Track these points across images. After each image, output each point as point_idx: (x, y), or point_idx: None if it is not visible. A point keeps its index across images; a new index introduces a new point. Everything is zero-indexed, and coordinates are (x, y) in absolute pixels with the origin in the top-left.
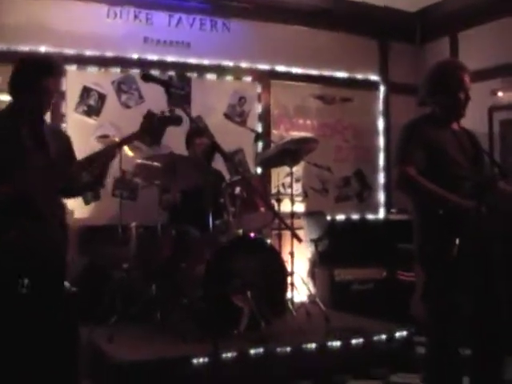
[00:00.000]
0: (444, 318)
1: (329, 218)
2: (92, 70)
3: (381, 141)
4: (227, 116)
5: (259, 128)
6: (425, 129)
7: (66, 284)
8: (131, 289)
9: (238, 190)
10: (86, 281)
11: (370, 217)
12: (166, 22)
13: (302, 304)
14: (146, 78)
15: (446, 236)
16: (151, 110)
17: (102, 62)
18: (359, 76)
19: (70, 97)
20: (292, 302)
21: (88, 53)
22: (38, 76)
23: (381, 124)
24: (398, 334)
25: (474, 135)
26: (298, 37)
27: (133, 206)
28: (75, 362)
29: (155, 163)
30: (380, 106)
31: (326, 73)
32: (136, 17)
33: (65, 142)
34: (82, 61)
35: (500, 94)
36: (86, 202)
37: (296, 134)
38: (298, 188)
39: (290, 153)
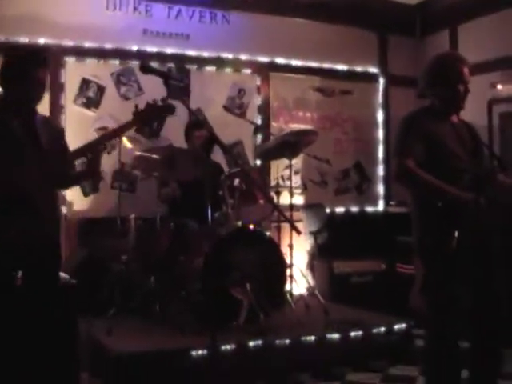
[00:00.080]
0: (443, 311)
1: (328, 210)
2: (91, 61)
3: (380, 133)
4: (226, 108)
5: (258, 120)
6: (424, 121)
7: (65, 276)
8: (130, 281)
9: (236, 182)
10: (85, 273)
11: (369, 209)
12: (165, 13)
13: (301, 296)
14: (145, 69)
15: (444, 228)
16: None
17: (101, 54)
18: (359, 68)
19: (68, 89)
20: (291, 295)
21: (87, 45)
22: (29, 67)
23: (380, 116)
24: (396, 327)
25: (473, 128)
26: (298, 29)
27: (132, 198)
28: (75, 355)
29: (154, 155)
30: (379, 98)
31: (326, 65)
32: (135, 9)
33: (57, 133)
34: (81, 53)
35: (499, 86)
36: (85, 194)
37: (295, 126)
38: (297, 180)
39: (290, 145)
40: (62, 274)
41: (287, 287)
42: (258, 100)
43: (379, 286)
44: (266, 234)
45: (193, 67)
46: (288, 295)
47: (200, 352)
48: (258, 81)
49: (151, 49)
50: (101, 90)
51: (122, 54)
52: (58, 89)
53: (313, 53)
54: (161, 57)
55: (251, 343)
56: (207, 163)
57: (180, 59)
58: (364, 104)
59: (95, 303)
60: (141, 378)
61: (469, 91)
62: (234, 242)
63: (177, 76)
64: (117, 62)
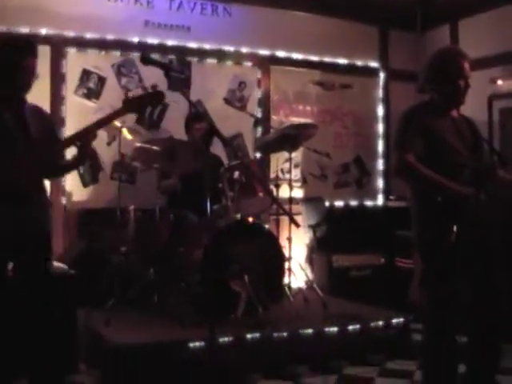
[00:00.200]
0: (442, 306)
1: (327, 204)
2: (92, 52)
3: (380, 127)
4: (227, 101)
5: (259, 113)
6: (424, 116)
7: (64, 267)
8: (129, 272)
9: (236, 174)
10: (84, 264)
11: (369, 203)
12: (166, 5)
13: (300, 290)
14: (146, 60)
15: (444, 223)
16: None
17: (103, 45)
18: (359, 62)
19: (69, 79)
20: (289, 288)
21: (88, 35)
22: (18, 56)
23: (380, 111)
24: (395, 321)
25: (473, 123)
26: (299, 23)
27: (131, 190)
28: (73, 345)
29: (154, 147)
30: (380, 92)
31: (326, 59)
32: (137, 0)
33: (46, 122)
34: (82, 43)
35: (500, 82)
36: (85, 185)
37: (295, 119)
38: (296, 174)
39: (290, 138)
40: (61, 265)
41: (286, 280)
42: (258, 93)
43: (378, 280)
44: (265, 227)
45: (194, 59)
46: (286, 288)
47: (198, 344)
48: (258, 74)
49: (152, 40)
50: (101, 81)
51: (123, 46)
52: (58, 79)
53: (313, 46)
54: (162, 48)
55: (249, 336)
56: (207, 155)
57: (181, 51)
58: (364, 98)
59: (94, 294)
60: (139, 370)
61: (469, 86)
62: (233, 235)
63: (178, 68)
64: (118, 53)
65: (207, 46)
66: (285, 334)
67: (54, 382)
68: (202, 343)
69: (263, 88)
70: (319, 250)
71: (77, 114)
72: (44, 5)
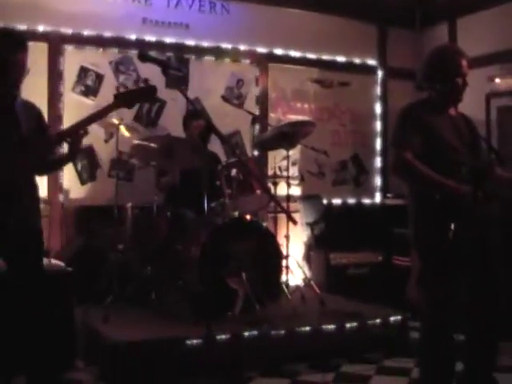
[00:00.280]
0: (440, 304)
1: (325, 201)
2: (90, 50)
3: (378, 125)
4: (225, 98)
5: (256, 111)
6: (422, 113)
7: (61, 264)
8: (127, 270)
9: (234, 172)
10: (82, 261)
11: (367, 201)
12: (164, 2)
13: (297, 287)
14: (143, 58)
15: (441, 221)
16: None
17: (100, 42)
18: (357, 60)
19: (67, 77)
20: (287, 286)
21: (86, 33)
22: (9, 51)
23: (378, 108)
24: (392, 319)
25: (471, 121)
26: (297, 20)
27: (129, 187)
28: (70, 342)
29: (152, 144)
30: (378, 90)
31: (325, 57)
32: None
33: (37, 117)
34: (79, 41)
35: (497, 80)
36: (82, 183)
37: (293, 117)
38: (294, 171)
39: (287, 136)
40: (59, 262)
41: (283, 278)
42: (256, 90)
43: (375, 277)
44: (263, 225)
45: (192, 57)
46: (284, 286)
47: (195, 341)
48: (256, 71)
49: (150, 38)
50: (99, 78)
51: (120, 43)
52: (56, 77)
53: (312, 44)
54: (160, 46)
55: (246, 333)
56: (204, 153)
57: (179, 49)
58: (362, 96)
59: (92, 292)
60: (136, 367)
61: (467, 84)
62: (231, 232)
63: (175, 65)
64: (116, 50)
65: (205, 44)
66: (282, 331)
67: (51, 379)
68: (200, 341)
69: (261, 85)
70: (317, 247)
71: (74, 111)
72: (42, 2)
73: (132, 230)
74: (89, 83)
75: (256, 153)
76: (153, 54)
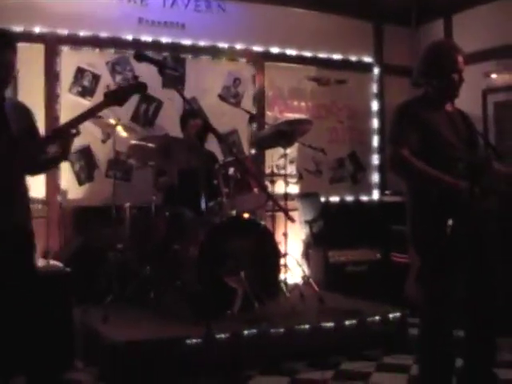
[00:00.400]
0: (438, 300)
1: (323, 199)
2: (86, 50)
3: (375, 122)
4: (222, 97)
5: (253, 110)
6: (418, 110)
7: (59, 264)
8: (126, 270)
9: (231, 171)
10: (81, 261)
11: (364, 198)
12: (160, 2)
13: (296, 285)
14: (140, 57)
15: (439, 217)
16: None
17: (97, 43)
18: (353, 58)
19: (64, 78)
20: (286, 284)
21: (82, 33)
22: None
23: (375, 106)
24: (391, 316)
25: (467, 116)
26: (293, 19)
27: (127, 187)
28: (69, 343)
29: (149, 144)
30: (374, 87)
31: (321, 55)
32: None
33: (27, 117)
34: (76, 41)
35: (494, 76)
36: (80, 183)
37: (290, 115)
38: (292, 169)
39: (284, 134)
40: (57, 263)
41: (282, 276)
42: (253, 89)
43: (374, 275)
44: (261, 223)
45: (188, 56)
46: (283, 284)
47: (195, 341)
48: (253, 70)
49: (146, 38)
50: (96, 78)
51: (117, 43)
52: (53, 78)
53: (308, 42)
54: (156, 46)
55: (246, 332)
56: (201, 152)
57: (175, 48)
58: (359, 93)
59: (91, 292)
60: (136, 367)
61: (463, 80)
62: (229, 231)
63: (172, 65)
64: (112, 50)
65: (201, 43)
66: (281, 329)
67: (50, 380)
68: (199, 340)
69: (258, 84)
70: (315, 245)
71: (71, 112)
72: (38, 3)
73: (130, 230)
74: (85, 84)
75: (253, 151)
76: (149, 54)
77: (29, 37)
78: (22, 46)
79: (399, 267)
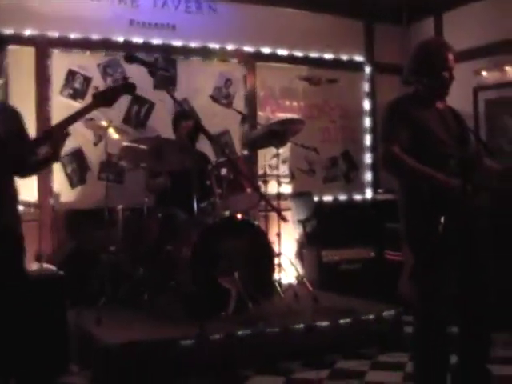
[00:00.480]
0: (429, 296)
1: (316, 198)
2: (77, 53)
3: (367, 121)
4: (213, 98)
5: (245, 110)
6: (409, 107)
7: (53, 268)
8: (119, 272)
9: (224, 171)
10: (74, 264)
11: (358, 197)
12: (151, 4)
13: (290, 285)
14: (130, 59)
15: (431, 214)
16: None
17: (87, 45)
18: (345, 57)
19: (55, 80)
20: (280, 284)
21: (73, 36)
22: None
23: (367, 104)
24: (386, 314)
25: (458, 114)
26: (284, 19)
27: (119, 189)
28: (64, 346)
29: (141, 146)
30: (366, 86)
31: (312, 54)
32: None
33: (15, 120)
34: (66, 44)
35: (484, 73)
36: (72, 186)
37: (282, 115)
38: (284, 169)
39: (277, 134)
40: (50, 266)
41: (276, 276)
42: (244, 90)
43: (368, 273)
44: (254, 223)
45: (179, 57)
46: (277, 284)
47: (189, 342)
48: (244, 71)
49: (137, 39)
50: (87, 81)
51: (108, 45)
52: (44, 80)
53: (299, 42)
54: (147, 47)
55: (240, 332)
56: (193, 153)
57: (166, 49)
58: (350, 92)
59: (85, 294)
60: (130, 369)
61: (454, 78)
62: (222, 232)
63: (163, 66)
64: (103, 53)
65: (192, 44)
66: (276, 329)
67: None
68: (193, 341)
69: (249, 85)
70: (309, 244)
71: (63, 115)
72: (28, 6)
73: (123, 232)
74: (77, 86)
75: (246, 152)
76: (140, 55)
77: (19, 39)
78: (12, 49)
79: (393, 265)
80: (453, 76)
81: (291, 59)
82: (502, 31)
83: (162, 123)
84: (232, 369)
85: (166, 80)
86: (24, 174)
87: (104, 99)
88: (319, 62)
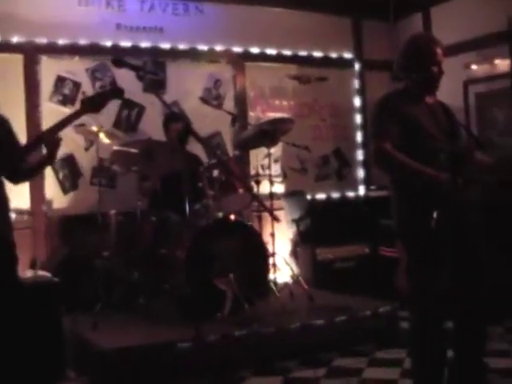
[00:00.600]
0: (423, 291)
1: (309, 197)
2: (65, 58)
3: (358, 118)
4: (203, 100)
5: (236, 110)
6: (398, 103)
7: (48, 274)
8: (113, 276)
9: (216, 173)
10: (68, 270)
11: (350, 194)
12: (138, 7)
13: (286, 284)
14: (117, 63)
15: (423, 210)
16: None
17: (75, 51)
18: (334, 54)
19: (44, 87)
20: (275, 283)
21: (61, 41)
22: None
23: (357, 101)
24: (382, 310)
25: (449, 108)
26: (271, 18)
27: (112, 194)
28: (59, 353)
29: (132, 149)
30: (355, 83)
31: (301, 53)
32: (108, 4)
33: (4, 127)
34: (55, 50)
35: (474, 67)
36: (65, 192)
37: (273, 115)
38: (276, 169)
39: (267, 134)
40: (45, 273)
41: (271, 276)
42: (234, 90)
43: (363, 270)
44: (248, 224)
45: (168, 60)
46: (272, 284)
47: (185, 344)
48: (233, 71)
49: (125, 43)
50: (76, 86)
51: (96, 50)
52: (33, 87)
53: (287, 41)
54: (136, 51)
55: (237, 333)
56: (184, 155)
57: (155, 52)
58: (340, 90)
59: (80, 300)
60: (127, 373)
61: (443, 72)
62: (216, 233)
63: (152, 69)
64: (91, 57)
65: (181, 46)
66: (272, 329)
67: None
68: (190, 343)
69: (239, 85)
70: (303, 243)
71: (53, 121)
72: (15, 13)
73: (116, 237)
74: (66, 92)
75: (237, 152)
76: (129, 59)
77: (7, 47)
78: (0, 57)
79: (388, 261)
80: (442, 70)
81: (280, 58)
82: (490, 24)
83: (153, 126)
84: (229, 370)
85: (154, 83)
86: (17, 180)
87: (92, 105)
88: (308, 61)
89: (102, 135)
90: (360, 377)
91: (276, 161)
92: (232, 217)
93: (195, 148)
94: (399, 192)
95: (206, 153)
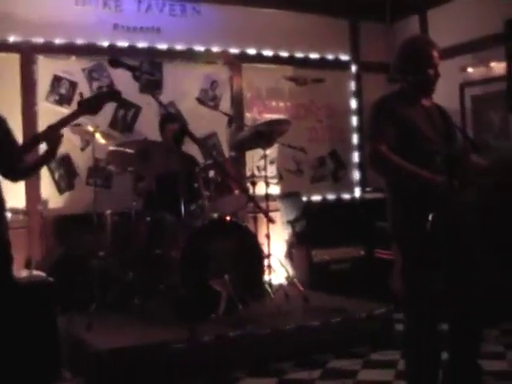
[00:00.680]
0: (418, 293)
1: (304, 198)
2: (62, 58)
3: (354, 120)
4: (200, 100)
5: (232, 112)
6: (395, 105)
7: (43, 274)
8: (108, 276)
9: (211, 173)
10: (63, 270)
11: (346, 196)
12: (135, 7)
13: (281, 286)
14: (114, 63)
15: (418, 212)
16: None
17: (72, 50)
18: (330, 56)
19: (40, 86)
20: (270, 285)
21: (57, 41)
22: None
23: (353, 103)
24: (377, 312)
25: (445, 111)
26: (268, 19)
27: (107, 194)
28: (54, 353)
29: (128, 150)
30: (352, 85)
31: (298, 54)
32: (105, 4)
33: (1, 127)
34: (51, 49)
35: (470, 69)
36: (60, 192)
37: (269, 116)
38: (272, 170)
39: (263, 135)
40: (40, 273)
41: (266, 277)
42: (231, 91)
43: (358, 272)
44: (243, 225)
45: (165, 60)
46: (267, 285)
47: (181, 345)
48: (230, 72)
49: (122, 43)
50: (73, 86)
51: (93, 50)
52: (29, 87)
53: (284, 42)
54: (132, 51)
55: (231, 334)
56: (179, 155)
57: (152, 53)
58: (337, 91)
59: (75, 300)
60: (122, 373)
61: (439, 75)
62: (211, 234)
63: (148, 70)
64: (88, 57)
65: (177, 47)
66: (268, 330)
67: None
68: (185, 344)
69: (235, 86)
70: (298, 245)
71: (49, 121)
72: (12, 12)
73: (112, 237)
74: (62, 92)
75: (233, 153)
76: (126, 59)
77: (4, 46)
78: None
79: (383, 263)
80: (438, 73)
81: (277, 60)
82: (486, 27)
83: (149, 127)
84: (224, 370)
85: (151, 84)
86: (15, 178)
87: (89, 107)
88: (305, 62)
89: (98, 135)
90: (355, 378)
91: (272, 162)
92: (227, 218)
93: (191, 149)
94: (395, 194)
95: (201, 153)
